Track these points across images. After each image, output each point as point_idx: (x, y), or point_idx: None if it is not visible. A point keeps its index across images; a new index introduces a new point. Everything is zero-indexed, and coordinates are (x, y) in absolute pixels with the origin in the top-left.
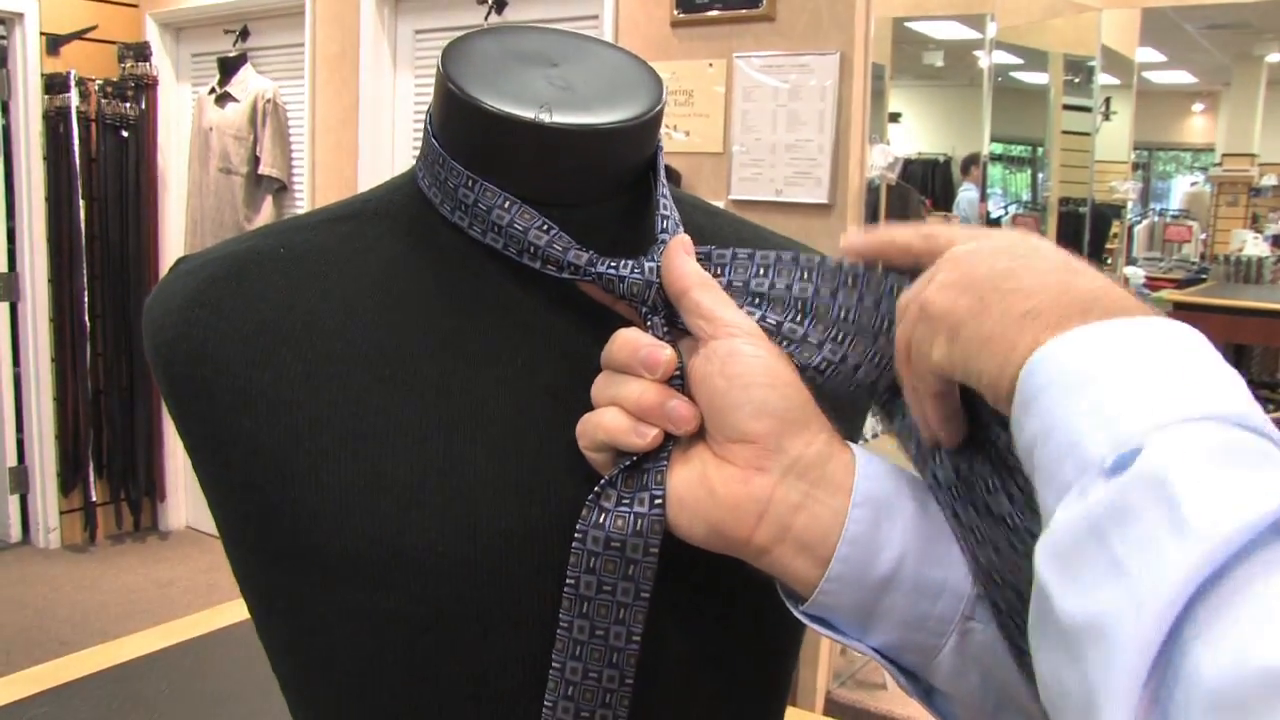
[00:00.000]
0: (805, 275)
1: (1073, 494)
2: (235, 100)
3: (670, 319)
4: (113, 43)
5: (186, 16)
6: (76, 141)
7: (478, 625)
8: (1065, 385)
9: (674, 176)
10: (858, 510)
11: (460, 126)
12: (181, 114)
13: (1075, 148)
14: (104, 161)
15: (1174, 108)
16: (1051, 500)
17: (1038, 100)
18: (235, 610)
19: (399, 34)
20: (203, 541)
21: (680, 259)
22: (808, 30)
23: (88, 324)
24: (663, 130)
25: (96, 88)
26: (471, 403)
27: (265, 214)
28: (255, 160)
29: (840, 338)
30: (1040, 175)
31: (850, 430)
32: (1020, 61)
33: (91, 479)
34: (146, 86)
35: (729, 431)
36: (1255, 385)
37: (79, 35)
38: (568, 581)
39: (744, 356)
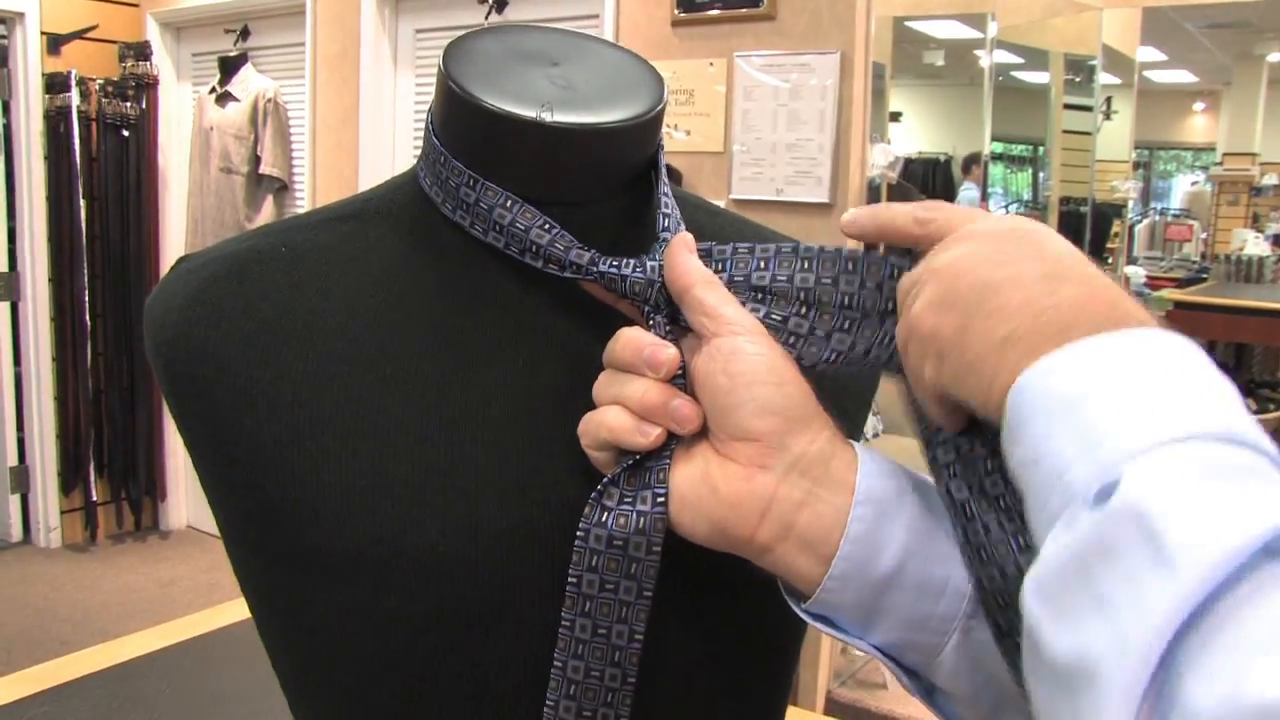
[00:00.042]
0: (806, 265)
1: (1060, 525)
2: (236, 100)
3: (672, 317)
4: (113, 42)
5: (187, 16)
6: (77, 141)
7: (478, 625)
8: (1048, 412)
9: (675, 176)
10: (860, 508)
11: (461, 126)
12: (182, 113)
13: (1076, 147)
14: (105, 161)
15: (1175, 107)
16: (1041, 530)
17: (1038, 99)
18: (236, 610)
19: (400, 33)
20: (203, 541)
21: (683, 256)
22: (808, 29)
23: (88, 323)
24: (664, 129)
25: (97, 87)
26: (473, 402)
27: (266, 213)
28: (256, 160)
29: (847, 325)
30: (1041, 174)
31: (852, 429)
32: (1021, 61)
33: (92, 478)
34: (147, 86)
35: (732, 429)
36: (1256, 385)
37: (80, 35)
38: (570, 580)
39: (746, 354)
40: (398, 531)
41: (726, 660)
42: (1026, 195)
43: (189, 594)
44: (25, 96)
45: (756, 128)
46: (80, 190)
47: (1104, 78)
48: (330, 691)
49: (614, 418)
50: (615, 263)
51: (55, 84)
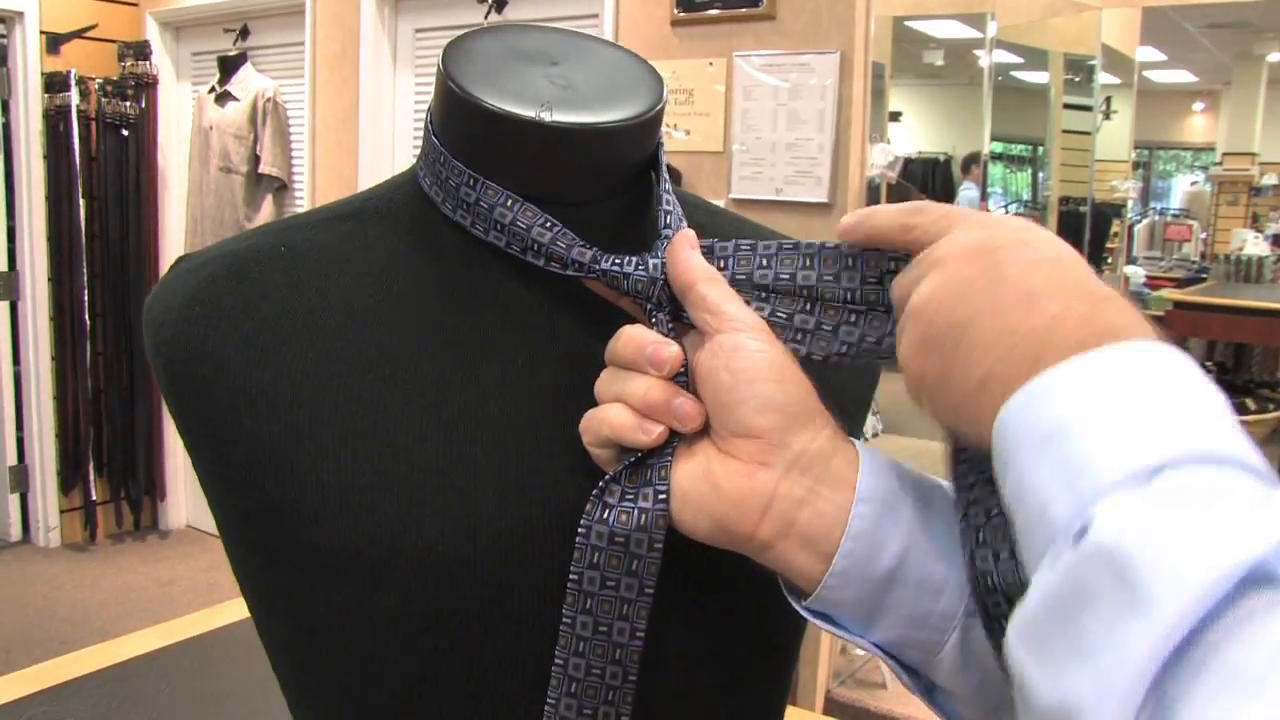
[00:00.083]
0: (807, 263)
1: (1044, 565)
2: (235, 99)
3: (675, 315)
4: (113, 41)
5: (187, 15)
6: (76, 140)
7: (478, 625)
8: (1027, 446)
9: (675, 175)
10: (861, 506)
11: (461, 125)
12: (182, 113)
13: (1075, 147)
14: (104, 160)
15: (1174, 107)
16: (1031, 569)
17: (1038, 99)
18: (235, 609)
19: (399, 33)
20: (203, 540)
21: (686, 253)
22: (808, 29)
23: (88, 323)
24: (663, 129)
25: (97, 86)
26: (472, 402)
27: (265, 213)
28: (255, 159)
29: (854, 318)
30: (1041, 174)
31: (851, 429)
32: (1021, 60)
33: (92, 478)
34: (147, 85)
35: (733, 426)
36: (1255, 385)
37: (79, 34)
38: (571, 577)
39: (749, 351)
40: (397, 531)
41: (727, 658)
42: (1026, 195)
43: (188, 593)
44: (25, 96)
45: (756, 127)
46: (79, 189)
47: (1103, 77)
48: (329, 691)
49: (616, 415)
50: (617, 261)
51: (55, 83)
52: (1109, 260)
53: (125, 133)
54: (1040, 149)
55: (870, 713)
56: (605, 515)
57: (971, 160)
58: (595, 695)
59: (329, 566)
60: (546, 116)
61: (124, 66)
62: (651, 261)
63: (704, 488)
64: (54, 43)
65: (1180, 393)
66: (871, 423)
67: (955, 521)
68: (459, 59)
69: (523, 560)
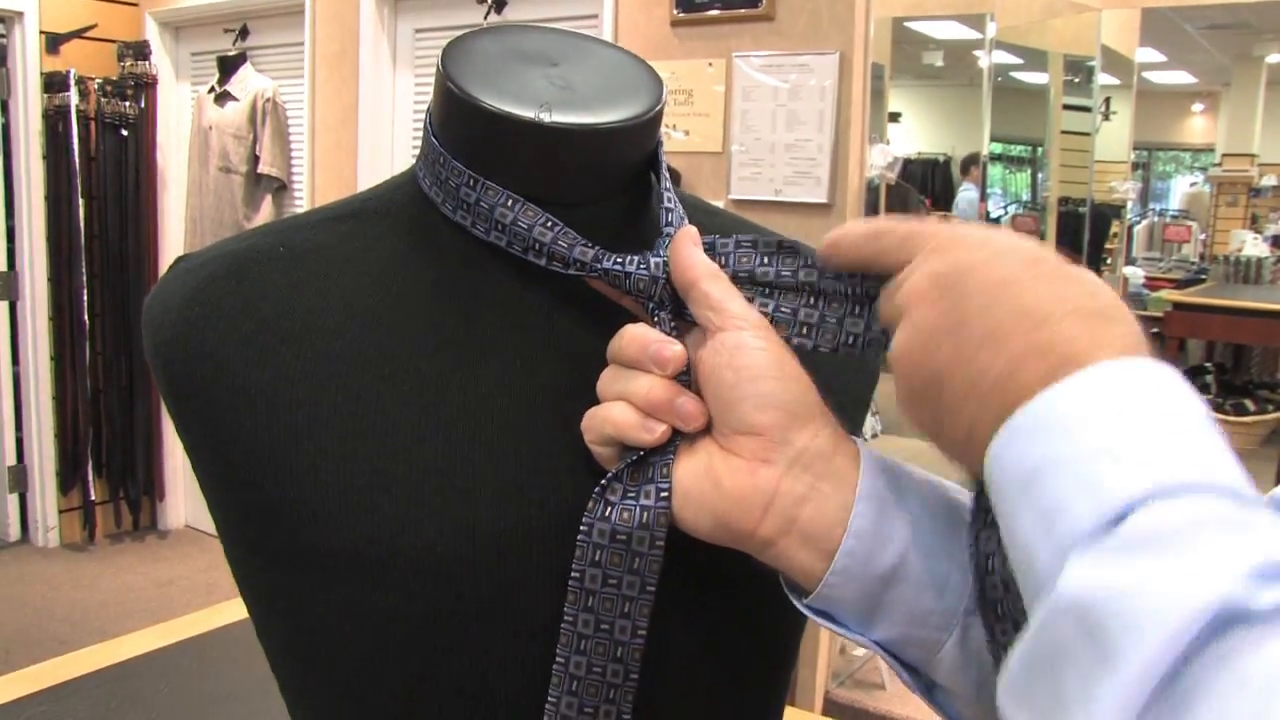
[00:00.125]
0: (808, 262)
1: (1033, 616)
2: (235, 99)
3: (676, 313)
4: (112, 41)
5: (186, 15)
6: (76, 140)
7: (477, 625)
8: (1012, 493)
9: (674, 176)
10: (863, 503)
11: (460, 126)
12: (181, 113)
13: (1075, 148)
14: (103, 160)
15: (1174, 108)
16: (1028, 613)
17: (1037, 100)
18: (234, 610)
19: (399, 33)
20: (202, 541)
21: (688, 249)
22: (807, 30)
23: (87, 323)
24: (662, 129)
25: (96, 86)
26: (471, 402)
27: (265, 213)
28: (255, 159)
29: (858, 310)
30: (1040, 175)
31: (851, 429)
32: (1020, 61)
33: (90, 478)
34: (146, 85)
35: (735, 423)
36: (1255, 386)
37: (78, 34)
38: (573, 575)
39: (751, 349)
40: (396, 531)
41: (728, 656)
42: (1025, 196)
43: (187, 594)
44: (24, 96)
45: (755, 128)
46: (79, 189)
47: (1103, 78)
48: (329, 691)
49: (619, 413)
50: (619, 260)
51: (54, 83)
52: (1108, 261)
53: (125, 133)
54: (1039, 150)
55: (869, 713)
56: (607, 513)
57: (971, 161)
58: (597, 694)
59: (328, 566)
60: (546, 117)
61: (123, 66)
62: (653, 260)
63: (706, 485)
64: (53, 43)
65: (1148, 413)
66: (871, 423)
67: (965, 540)
68: (458, 59)
69: (522, 560)
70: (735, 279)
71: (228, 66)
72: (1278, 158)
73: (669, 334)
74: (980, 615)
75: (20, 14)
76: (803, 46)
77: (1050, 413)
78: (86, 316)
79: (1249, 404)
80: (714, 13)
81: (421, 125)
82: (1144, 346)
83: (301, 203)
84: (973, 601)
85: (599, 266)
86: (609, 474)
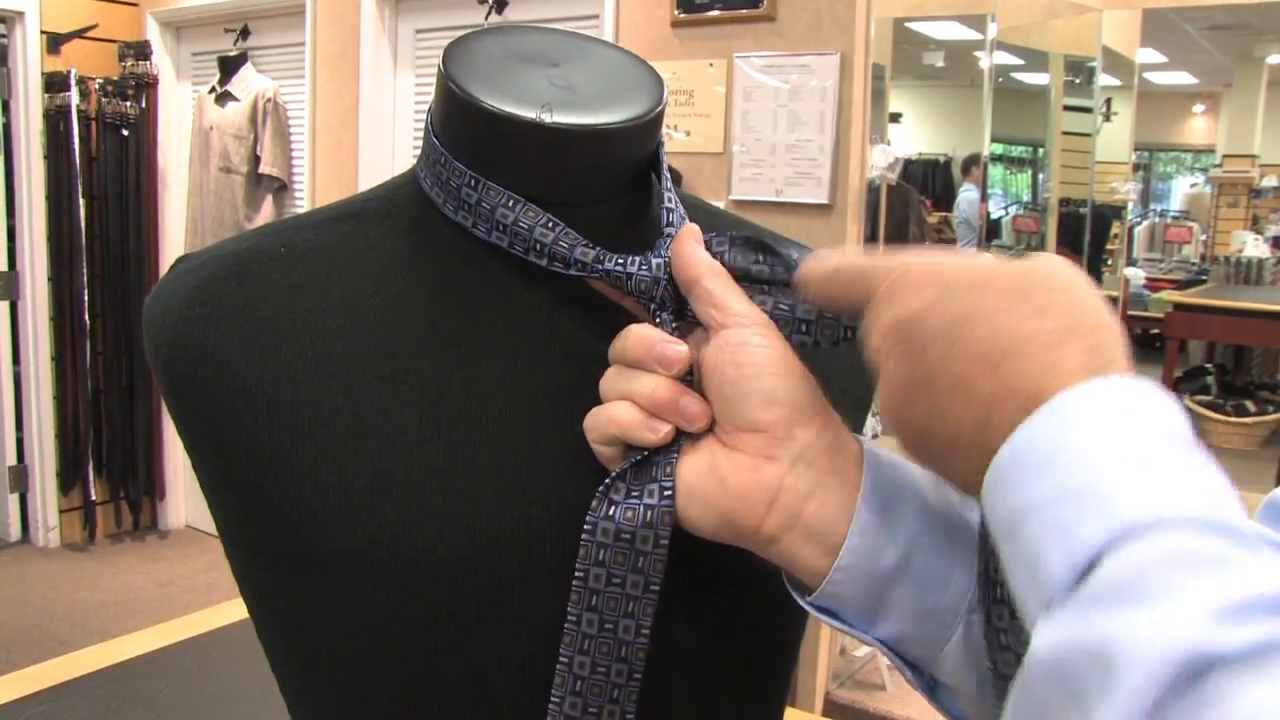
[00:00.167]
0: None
1: (1017, 674)
2: (236, 99)
3: (678, 314)
4: (113, 41)
5: (187, 15)
6: (77, 140)
7: (477, 625)
8: (1002, 536)
9: (675, 176)
10: (867, 500)
11: (461, 126)
12: (182, 113)
13: (1076, 148)
14: (104, 160)
15: (1174, 109)
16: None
17: (1038, 101)
18: (234, 610)
19: (399, 33)
20: (202, 541)
21: (691, 247)
22: (808, 31)
23: (88, 323)
24: (663, 130)
25: (97, 86)
26: (472, 403)
27: (265, 213)
28: (255, 159)
29: None
30: (1041, 176)
31: (854, 427)
32: (1021, 62)
33: (91, 478)
34: (147, 85)
35: (739, 420)
36: (1255, 387)
37: (79, 34)
38: (576, 575)
39: (754, 346)
40: (396, 532)
41: (731, 656)
42: (1026, 196)
43: (187, 594)
44: (25, 95)
45: (756, 129)
46: (80, 189)
47: (1104, 79)
48: (329, 691)
49: (623, 413)
50: (620, 260)
51: (55, 83)
52: (1109, 262)
53: (125, 133)
54: (1040, 151)
55: (869, 714)
56: (611, 512)
57: (971, 162)
58: (600, 693)
59: (328, 567)
60: (547, 118)
61: (124, 66)
62: (654, 260)
63: (709, 482)
64: (54, 43)
65: (1115, 442)
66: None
67: (974, 567)
68: (459, 60)
69: (523, 560)
70: (734, 276)
71: (229, 67)
72: (1279, 159)
73: (671, 334)
74: (984, 645)
75: (21, 14)
76: (804, 47)
77: (1018, 457)
78: (87, 316)
79: (1249, 405)
80: (715, 13)
81: (422, 126)
82: (1112, 351)
83: (302, 203)
84: (976, 599)
85: (600, 267)
86: (613, 474)
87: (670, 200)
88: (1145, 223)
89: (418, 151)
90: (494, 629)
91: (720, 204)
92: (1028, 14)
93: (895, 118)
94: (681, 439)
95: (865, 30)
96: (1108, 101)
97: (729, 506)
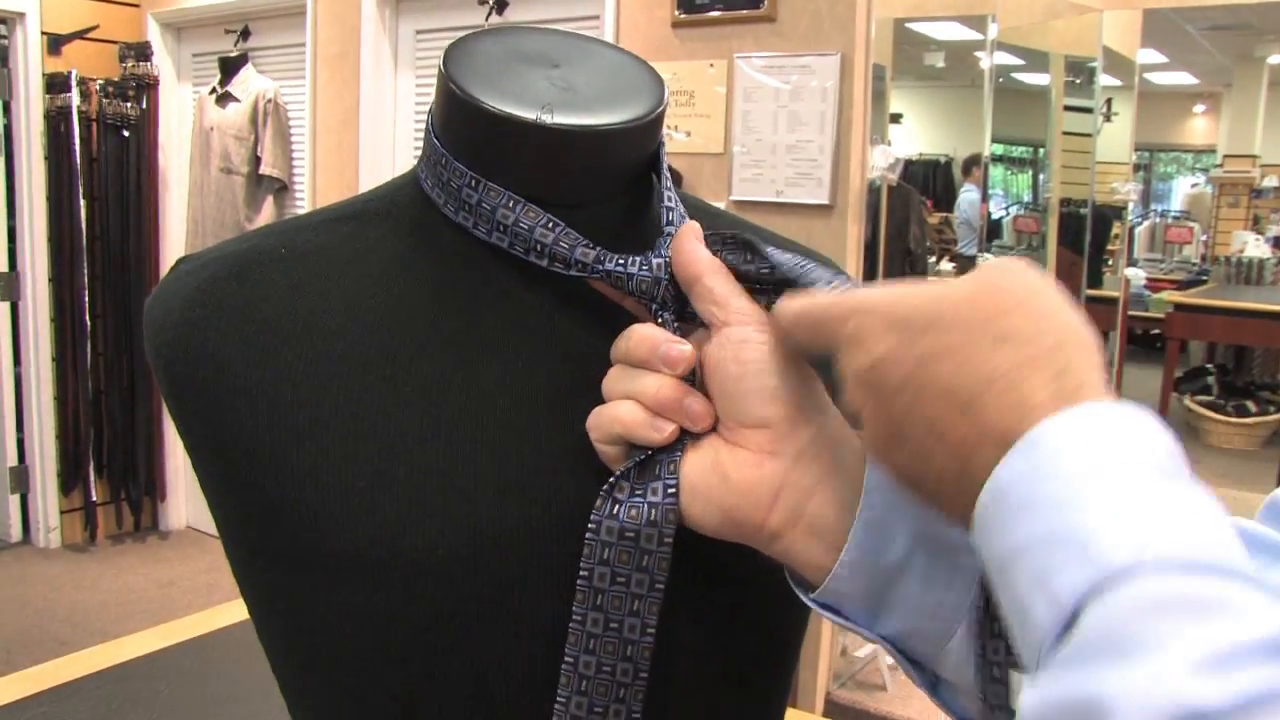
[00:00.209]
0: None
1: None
2: (236, 100)
3: (679, 314)
4: (114, 42)
5: (188, 16)
6: (77, 141)
7: (478, 625)
8: (994, 578)
9: (675, 177)
10: (871, 496)
11: (462, 127)
12: (182, 114)
13: (1076, 149)
14: (105, 161)
15: (1175, 109)
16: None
17: (1039, 101)
18: (235, 611)
19: (400, 34)
20: (203, 541)
21: (691, 245)
22: (809, 31)
23: (88, 323)
24: (664, 130)
25: (98, 87)
26: (473, 403)
27: (266, 214)
28: (256, 160)
29: None
30: (1041, 176)
31: (855, 424)
32: (1021, 62)
33: (92, 478)
34: (148, 86)
35: (743, 417)
36: (1256, 387)
37: (80, 35)
38: (581, 574)
39: (756, 344)
40: (397, 532)
41: (732, 653)
42: (1027, 197)
43: (188, 594)
44: (26, 96)
45: (757, 129)
46: (80, 190)
47: (1104, 80)
48: (329, 692)
49: (628, 412)
50: (621, 260)
51: (56, 84)
52: (1110, 262)
53: (126, 134)
54: (1041, 151)
55: (870, 714)
56: (615, 510)
57: (972, 162)
58: (606, 693)
59: (329, 567)
60: (547, 119)
61: (125, 67)
62: (655, 260)
63: (713, 479)
64: (55, 44)
65: (1089, 480)
66: None
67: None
68: (460, 61)
69: (523, 560)
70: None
71: (229, 67)
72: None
73: (673, 334)
74: (977, 677)
75: (22, 15)
76: (804, 48)
77: (999, 500)
78: (88, 317)
79: (1250, 405)
80: (715, 14)
81: (423, 126)
82: (1081, 371)
83: (303, 204)
84: (972, 627)
85: (600, 268)
86: (616, 473)
87: (670, 200)
88: (1146, 223)
89: (418, 152)
90: (494, 629)
91: (721, 205)
92: (1028, 14)
93: (896, 118)
94: (685, 438)
95: (866, 31)
96: (1108, 102)
97: (732, 502)
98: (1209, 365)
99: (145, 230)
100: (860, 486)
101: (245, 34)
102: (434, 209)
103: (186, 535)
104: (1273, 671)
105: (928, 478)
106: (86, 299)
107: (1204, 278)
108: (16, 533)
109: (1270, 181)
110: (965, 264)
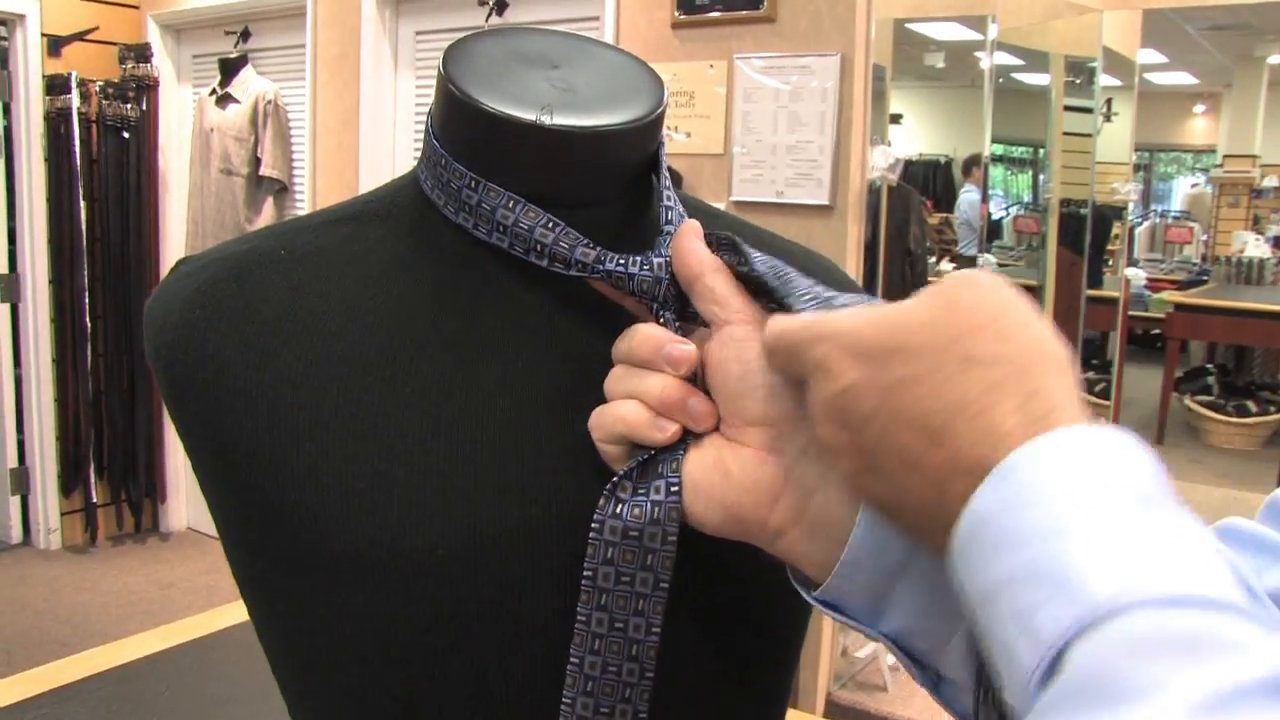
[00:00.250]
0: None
1: None
2: (236, 101)
3: (680, 314)
4: (114, 44)
5: (187, 18)
6: (77, 142)
7: (478, 625)
8: (976, 614)
9: (675, 178)
10: None
11: (461, 128)
12: (182, 115)
13: (1076, 149)
14: (105, 162)
15: (1175, 109)
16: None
17: (1039, 101)
18: (235, 612)
19: (400, 35)
20: (203, 543)
21: (692, 243)
22: (808, 32)
23: (88, 325)
24: (664, 131)
25: (97, 89)
26: (473, 403)
27: (266, 215)
28: (256, 161)
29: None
30: (1041, 176)
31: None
32: (1021, 63)
33: (92, 480)
34: (147, 87)
35: (745, 415)
36: (1256, 387)
37: (80, 36)
38: (585, 574)
39: (757, 341)
40: (397, 533)
41: (733, 652)
42: (1027, 197)
43: (188, 596)
44: (26, 98)
45: (757, 130)
46: (80, 192)
47: (1104, 80)
48: (330, 693)
49: (631, 412)
50: (621, 260)
51: (56, 86)
52: (1110, 263)
53: (126, 135)
54: (1041, 151)
55: (870, 715)
56: (618, 510)
57: (972, 162)
58: (612, 693)
59: (329, 569)
60: (547, 120)
61: (125, 69)
62: (656, 260)
63: (715, 477)
64: (55, 45)
65: (1077, 510)
66: None
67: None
68: (460, 62)
69: (523, 561)
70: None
71: (229, 69)
72: (1279, 159)
73: (675, 334)
74: (971, 700)
75: (22, 16)
76: (804, 48)
77: (974, 534)
78: (88, 319)
79: (1251, 405)
80: (715, 14)
81: (423, 127)
82: (1051, 393)
83: (303, 205)
84: (968, 655)
85: (601, 268)
86: (619, 473)
87: (669, 199)
88: (1146, 223)
89: (418, 153)
90: (495, 629)
91: (721, 205)
92: (1028, 15)
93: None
94: (688, 436)
95: (866, 31)
96: (1108, 102)
97: (734, 500)
98: (1209, 365)
99: (145, 232)
100: None
101: (245, 35)
102: (434, 210)
103: (187, 537)
104: (1276, 714)
105: (905, 509)
106: (86, 300)
107: (1204, 278)
108: (17, 534)
109: (1270, 181)
110: (965, 264)
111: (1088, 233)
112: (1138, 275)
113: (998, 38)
